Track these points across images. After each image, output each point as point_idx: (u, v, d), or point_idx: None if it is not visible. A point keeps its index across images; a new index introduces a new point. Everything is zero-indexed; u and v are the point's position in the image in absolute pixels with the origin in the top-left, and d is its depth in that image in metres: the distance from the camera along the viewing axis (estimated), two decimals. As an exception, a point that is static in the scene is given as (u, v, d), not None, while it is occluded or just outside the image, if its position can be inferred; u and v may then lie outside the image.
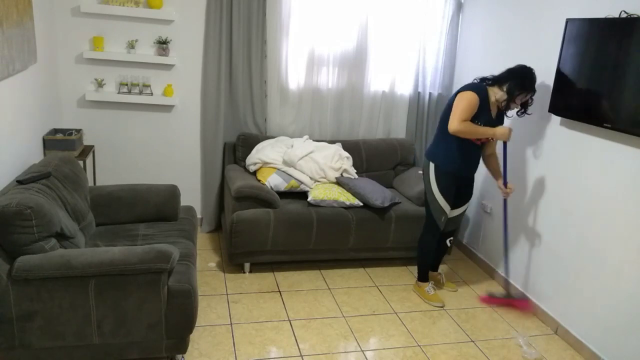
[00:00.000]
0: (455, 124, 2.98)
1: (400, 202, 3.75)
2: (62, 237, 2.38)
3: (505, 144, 3.11)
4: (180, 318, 2.34)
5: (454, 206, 3.27)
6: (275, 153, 3.80)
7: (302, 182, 3.68)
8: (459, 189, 3.23)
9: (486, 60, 3.90)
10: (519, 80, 2.98)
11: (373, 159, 4.18)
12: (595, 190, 2.87)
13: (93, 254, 2.22)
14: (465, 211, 3.40)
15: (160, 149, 4.04)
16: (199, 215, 4.11)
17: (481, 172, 3.93)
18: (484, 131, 3.02)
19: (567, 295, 3.06)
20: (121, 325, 2.28)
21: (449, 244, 3.49)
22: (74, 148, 3.40)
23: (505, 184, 3.22)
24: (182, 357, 2.58)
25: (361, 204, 3.60)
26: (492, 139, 3.13)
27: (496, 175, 3.31)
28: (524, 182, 3.45)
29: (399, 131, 4.45)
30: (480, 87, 3.06)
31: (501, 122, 3.16)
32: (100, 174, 3.94)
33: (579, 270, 2.97)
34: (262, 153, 3.80)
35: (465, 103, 2.98)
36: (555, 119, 3.16)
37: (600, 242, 2.82)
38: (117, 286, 2.23)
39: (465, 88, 3.06)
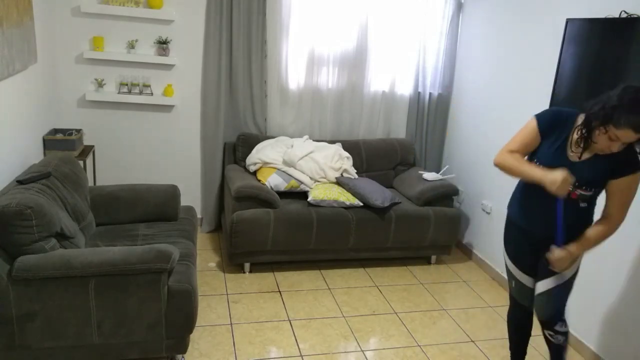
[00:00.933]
0: (497, 154, 2.23)
1: (400, 202, 3.75)
2: (62, 237, 2.38)
3: (559, 198, 2.07)
4: (180, 318, 2.34)
5: (529, 273, 2.35)
6: (275, 153, 3.80)
7: (302, 182, 3.68)
8: (536, 251, 2.28)
9: (486, 60, 3.90)
10: (606, 103, 1.92)
11: (373, 159, 4.18)
12: (595, 190, 2.86)
13: (93, 254, 2.23)
14: (554, 291, 2.26)
15: (160, 149, 4.03)
16: (199, 215, 4.10)
17: (481, 171, 3.93)
18: (529, 172, 2.10)
19: (567, 295, 3.06)
20: (121, 325, 2.28)
21: (551, 339, 2.33)
22: (74, 148, 3.40)
23: (559, 245, 2.15)
24: (182, 357, 2.58)
25: (361, 204, 3.60)
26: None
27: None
28: (524, 182, 3.45)
29: (399, 131, 4.45)
30: (556, 112, 2.21)
31: (602, 175, 2.08)
32: (100, 174, 3.93)
33: (579, 270, 2.97)
34: (262, 153, 3.80)
35: (520, 130, 2.24)
36: (556, 119, 3.15)
37: (600, 242, 2.82)
38: (117, 286, 2.23)
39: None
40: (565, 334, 2.33)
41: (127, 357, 2.37)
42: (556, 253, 2.15)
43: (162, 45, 3.76)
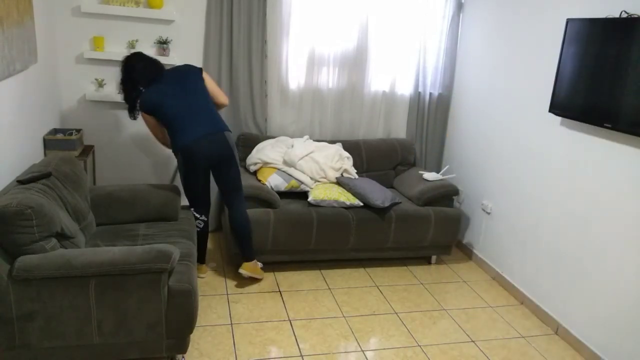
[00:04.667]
0: None
1: (400, 202, 3.75)
2: (63, 237, 2.38)
3: None
4: (181, 318, 2.34)
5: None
6: (276, 153, 3.80)
7: (302, 182, 3.68)
8: None
9: (486, 60, 3.90)
10: None
11: (373, 159, 4.18)
12: (595, 190, 2.87)
13: (93, 253, 2.23)
14: None
15: (161, 149, 4.03)
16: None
17: (481, 171, 3.94)
18: None
19: (567, 295, 3.06)
20: (121, 325, 2.28)
21: None
22: (74, 148, 3.40)
23: None
24: (183, 357, 2.58)
25: (361, 204, 3.60)
26: None
27: None
28: (524, 182, 3.45)
29: (399, 131, 4.45)
30: None
31: None
32: (100, 174, 3.94)
33: (579, 270, 2.98)
34: (262, 153, 3.80)
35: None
36: (556, 119, 3.16)
37: (600, 242, 2.83)
38: (118, 286, 2.23)
39: None
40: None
41: (127, 357, 2.37)
42: None
43: (162, 45, 3.77)
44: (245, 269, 3.33)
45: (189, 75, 3.17)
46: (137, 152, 3.99)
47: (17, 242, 2.15)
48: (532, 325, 3.20)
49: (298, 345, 2.82)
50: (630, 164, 2.64)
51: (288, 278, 3.55)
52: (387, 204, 3.57)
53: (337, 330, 2.99)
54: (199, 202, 3.26)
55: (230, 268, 3.60)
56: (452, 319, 3.20)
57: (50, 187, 2.52)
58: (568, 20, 2.94)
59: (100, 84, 3.76)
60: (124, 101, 3.23)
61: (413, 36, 4.20)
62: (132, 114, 3.24)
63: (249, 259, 3.34)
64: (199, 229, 3.28)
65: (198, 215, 3.27)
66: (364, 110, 4.30)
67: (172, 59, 3.80)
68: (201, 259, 3.41)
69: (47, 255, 2.18)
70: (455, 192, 3.83)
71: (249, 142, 3.96)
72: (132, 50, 3.73)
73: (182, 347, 2.44)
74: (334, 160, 3.85)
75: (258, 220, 3.37)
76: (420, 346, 2.89)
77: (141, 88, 3.10)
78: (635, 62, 2.53)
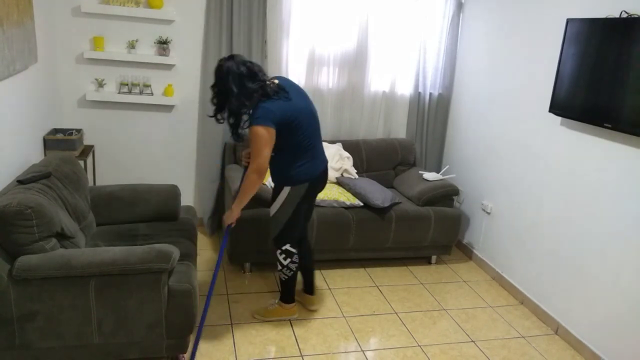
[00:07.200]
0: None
1: (400, 202, 3.75)
2: (63, 237, 2.38)
3: None
4: (181, 318, 2.34)
5: None
6: (276, 153, 3.79)
7: (302, 182, 3.67)
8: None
9: (486, 60, 3.90)
10: None
11: (373, 159, 4.18)
12: (595, 190, 2.87)
13: (93, 253, 2.23)
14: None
15: (161, 149, 4.04)
16: (198, 215, 4.11)
17: (481, 171, 3.94)
18: None
19: (567, 295, 3.06)
20: (121, 325, 2.28)
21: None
22: (75, 148, 3.40)
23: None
24: (183, 356, 2.58)
25: (361, 204, 3.60)
26: None
27: None
28: (524, 182, 3.45)
29: (400, 131, 4.45)
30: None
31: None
32: (100, 174, 3.93)
33: (579, 270, 2.98)
34: (263, 153, 3.79)
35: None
36: (556, 119, 3.16)
37: (600, 242, 2.82)
38: (118, 286, 2.23)
39: None
40: (278, 258, 2.89)
41: (127, 357, 2.37)
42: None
43: (163, 45, 3.76)
44: (317, 303, 3.18)
45: (307, 94, 2.76)
46: (137, 152, 3.99)
47: (17, 242, 2.15)
48: (532, 325, 3.20)
49: (298, 345, 2.82)
50: (630, 164, 2.64)
51: (288, 278, 3.54)
52: (387, 204, 3.57)
53: (337, 330, 2.99)
54: (297, 235, 2.90)
55: (230, 268, 3.60)
56: (452, 319, 3.20)
57: (50, 187, 2.52)
58: (568, 20, 2.94)
59: (100, 84, 3.76)
60: (230, 112, 2.55)
61: (413, 36, 4.20)
62: (239, 133, 2.61)
63: (313, 293, 3.17)
64: (296, 265, 2.90)
65: (295, 251, 2.87)
66: (364, 110, 4.30)
67: (172, 59, 3.81)
68: (312, 289, 3.15)
69: (47, 255, 2.18)
70: (455, 192, 3.83)
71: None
72: (132, 50, 3.74)
73: (182, 347, 2.44)
74: (334, 160, 3.85)
75: (258, 220, 3.36)
76: (420, 346, 2.89)
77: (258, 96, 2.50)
78: (635, 62, 2.53)
